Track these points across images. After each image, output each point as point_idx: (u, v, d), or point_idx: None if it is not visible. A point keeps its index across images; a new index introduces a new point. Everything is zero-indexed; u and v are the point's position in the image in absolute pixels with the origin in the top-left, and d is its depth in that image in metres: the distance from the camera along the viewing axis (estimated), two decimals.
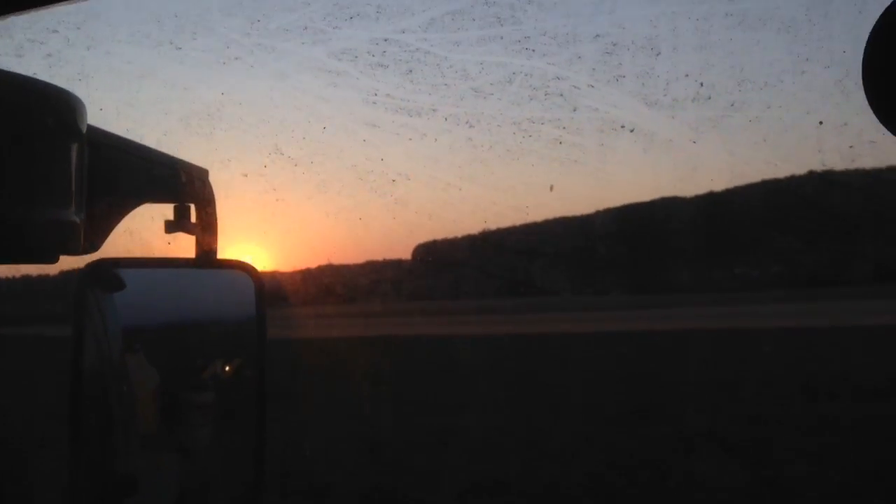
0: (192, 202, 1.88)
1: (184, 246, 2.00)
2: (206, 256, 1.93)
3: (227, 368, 2.46)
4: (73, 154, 1.36)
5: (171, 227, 1.84)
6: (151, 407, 2.39)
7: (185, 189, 1.83)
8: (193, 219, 1.89)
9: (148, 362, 2.41)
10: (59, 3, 1.04)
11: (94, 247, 1.52)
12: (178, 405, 2.35)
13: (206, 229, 1.90)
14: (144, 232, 1.87)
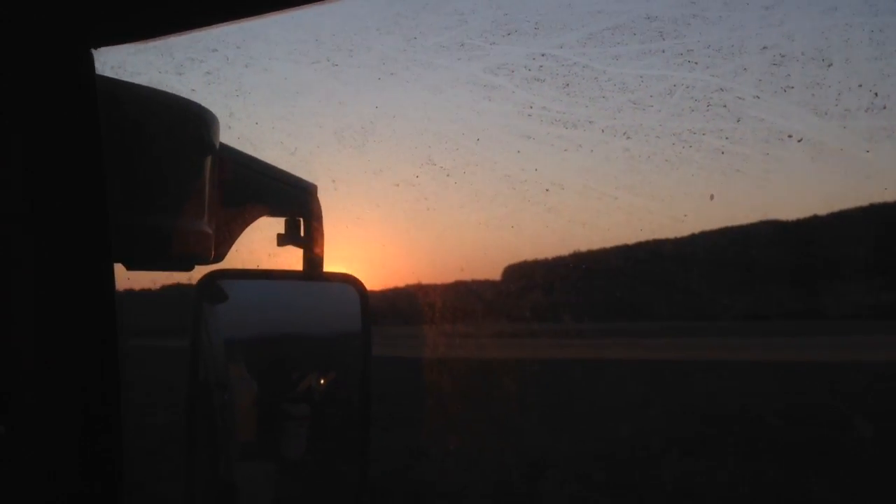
0: (301, 216, 1.94)
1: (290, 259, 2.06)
2: (314, 268, 1.98)
3: (321, 381, 2.51)
4: (207, 168, 1.44)
5: (282, 239, 1.91)
6: (250, 416, 2.46)
7: (296, 203, 1.90)
8: (302, 232, 1.95)
9: (248, 373, 2.49)
10: (221, 24, 1.11)
11: (220, 256, 1.59)
12: (275, 415, 2.41)
13: (313, 242, 1.96)
14: (255, 244, 1.94)
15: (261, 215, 1.76)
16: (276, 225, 1.95)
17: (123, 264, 1.28)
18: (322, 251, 1.99)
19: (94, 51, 1.16)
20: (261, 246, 1.92)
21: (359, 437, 2.04)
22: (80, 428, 1.20)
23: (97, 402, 1.20)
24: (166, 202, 1.31)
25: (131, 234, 1.25)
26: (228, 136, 1.43)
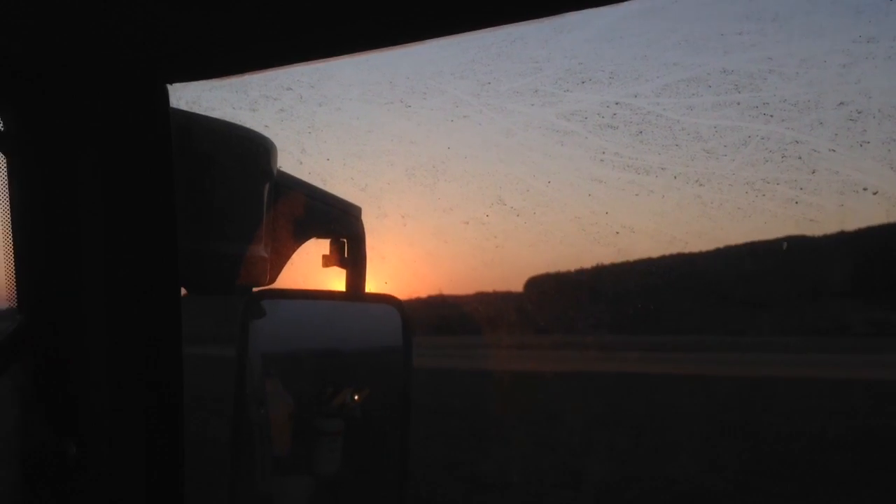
0: (346, 238, 1.98)
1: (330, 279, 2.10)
2: (356, 289, 2.02)
3: (356, 397, 2.54)
4: (266, 194, 1.48)
5: (327, 261, 1.95)
6: (285, 431, 2.49)
7: (341, 226, 1.94)
8: (346, 254, 1.99)
9: (284, 388, 2.52)
10: (295, 65, 1.15)
11: (274, 279, 1.63)
12: (310, 430, 2.45)
13: (356, 264, 2.00)
14: (301, 264, 1.98)
15: (309, 238, 1.80)
16: (323, 246, 1.99)
17: (187, 289, 1.32)
18: (364, 272, 2.03)
19: (169, 86, 1.20)
20: (307, 266, 1.97)
21: (397, 458, 2.07)
22: (145, 445, 1.24)
23: (163, 422, 1.24)
24: (229, 229, 1.35)
25: (196, 261, 1.29)
26: (300, 171, 1.48)
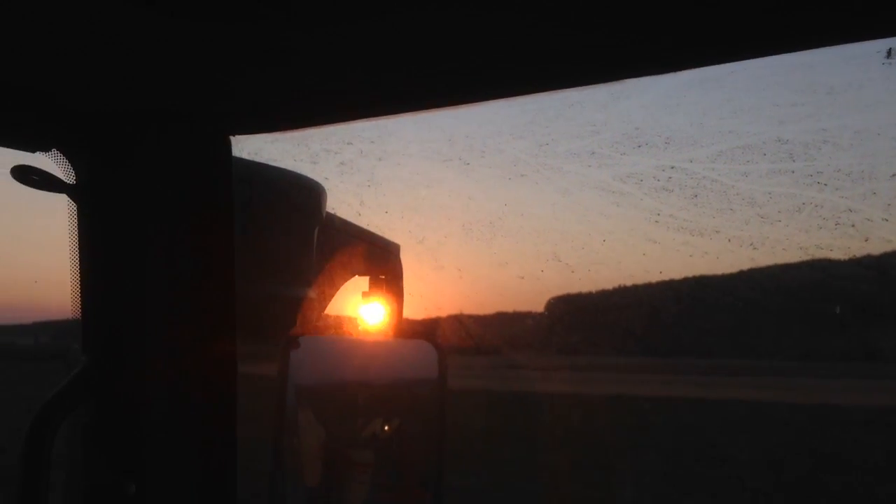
0: (384, 274, 2.02)
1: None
2: (393, 324, 2.05)
3: (385, 428, 2.56)
4: (315, 237, 1.53)
5: (367, 296, 1.98)
6: (317, 461, 2.52)
7: (381, 262, 1.98)
8: (385, 290, 2.02)
9: (316, 419, 2.55)
10: (357, 121, 1.20)
11: (319, 318, 1.67)
12: (341, 461, 2.47)
13: (394, 299, 2.04)
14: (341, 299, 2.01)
15: (353, 276, 1.84)
16: (362, 282, 2.02)
17: (244, 334, 1.36)
18: (402, 307, 2.06)
19: (232, 137, 1.25)
20: (346, 302, 2.00)
21: (432, 490, 2.09)
22: (201, 485, 1.27)
23: (218, 463, 1.27)
24: (285, 274, 1.39)
25: (253, 306, 1.33)
26: (359, 222, 1.52)
